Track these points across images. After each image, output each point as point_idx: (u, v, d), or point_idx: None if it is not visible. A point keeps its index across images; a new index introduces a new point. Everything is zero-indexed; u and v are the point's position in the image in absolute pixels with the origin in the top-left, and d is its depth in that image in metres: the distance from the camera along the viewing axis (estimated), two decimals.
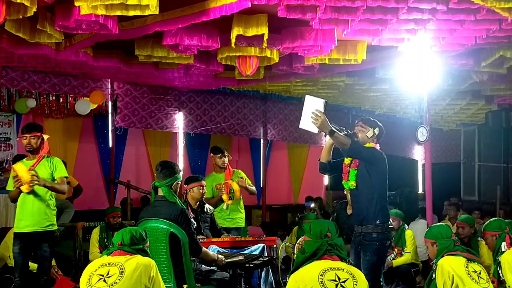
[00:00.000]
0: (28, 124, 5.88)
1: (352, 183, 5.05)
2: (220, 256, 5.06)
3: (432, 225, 4.83)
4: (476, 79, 8.52)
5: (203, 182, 6.09)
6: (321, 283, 3.37)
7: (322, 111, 4.77)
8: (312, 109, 4.81)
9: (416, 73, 7.10)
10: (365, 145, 5.04)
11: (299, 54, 6.94)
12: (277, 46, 6.57)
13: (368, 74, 8.70)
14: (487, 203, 12.15)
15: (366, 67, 7.88)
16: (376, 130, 5.14)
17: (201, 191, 6.01)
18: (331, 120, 4.83)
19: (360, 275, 3.52)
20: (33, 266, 6.38)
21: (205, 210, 6.18)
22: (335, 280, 3.40)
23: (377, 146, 5.15)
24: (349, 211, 5.86)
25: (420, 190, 14.03)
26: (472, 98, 10.51)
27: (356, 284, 3.42)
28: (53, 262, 6.69)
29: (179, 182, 4.98)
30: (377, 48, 7.11)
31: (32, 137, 5.62)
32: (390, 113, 12.98)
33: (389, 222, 5.07)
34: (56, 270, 6.60)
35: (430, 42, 6.64)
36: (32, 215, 5.56)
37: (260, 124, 11.75)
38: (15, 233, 5.63)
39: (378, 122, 5.25)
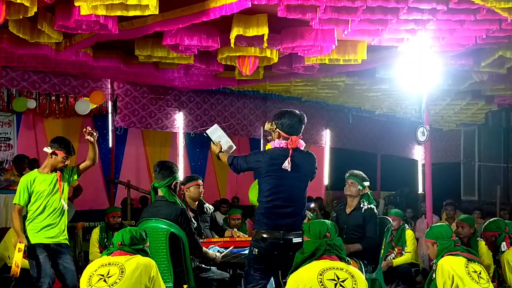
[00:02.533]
0: (71, 144, 5.48)
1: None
2: (217, 254, 5.07)
3: (433, 225, 4.82)
4: (476, 79, 8.53)
5: (200, 181, 6.05)
6: (320, 282, 3.37)
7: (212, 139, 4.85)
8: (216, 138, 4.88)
9: (416, 73, 7.10)
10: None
11: (299, 54, 6.94)
12: (277, 46, 6.58)
13: (368, 74, 8.71)
14: (487, 203, 12.17)
15: (366, 67, 7.89)
16: (271, 125, 4.53)
17: (198, 189, 5.98)
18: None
19: (359, 275, 3.53)
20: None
21: (205, 209, 6.16)
22: (334, 280, 3.40)
23: (276, 143, 4.49)
24: (348, 210, 5.84)
25: (420, 190, 14.04)
26: (472, 98, 10.51)
27: (355, 284, 3.42)
28: None
29: (178, 182, 4.97)
30: (377, 48, 7.11)
31: None
32: (390, 113, 12.99)
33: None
34: None
35: (430, 42, 6.65)
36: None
37: (260, 124, 11.74)
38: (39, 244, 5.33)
39: (287, 112, 4.53)
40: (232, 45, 6.10)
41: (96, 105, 9.63)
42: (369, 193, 5.81)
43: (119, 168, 10.48)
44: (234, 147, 4.89)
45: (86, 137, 5.43)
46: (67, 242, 5.54)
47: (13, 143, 9.50)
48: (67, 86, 9.39)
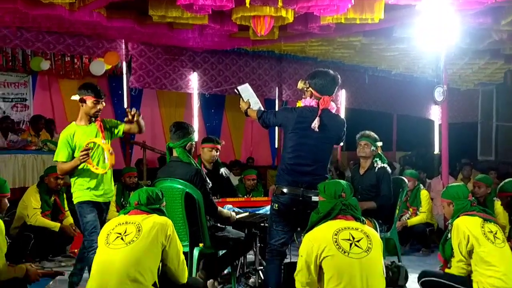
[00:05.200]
0: (99, 87, 4.94)
1: None
2: (232, 213, 5.10)
3: (449, 185, 4.79)
4: (496, 38, 8.37)
5: (213, 145, 6.02)
6: (335, 242, 3.38)
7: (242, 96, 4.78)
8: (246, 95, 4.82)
9: (434, 32, 6.99)
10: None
11: (314, 13, 6.83)
12: (292, 6, 6.47)
13: (385, 34, 8.58)
14: (504, 163, 12.10)
15: (383, 26, 7.77)
16: (304, 83, 4.49)
17: (210, 153, 5.98)
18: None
19: (374, 235, 3.53)
20: (55, 224, 6.48)
21: (221, 173, 6.17)
22: (349, 240, 3.42)
23: (307, 101, 4.46)
24: (361, 171, 5.84)
25: (437, 151, 13.98)
26: (490, 57, 10.34)
27: (370, 244, 3.43)
28: (71, 220, 6.80)
29: (193, 143, 4.97)
30: (394, 7, 6.99)
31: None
32: (407, 72, 12.86)
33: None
34: (74, 228, 6.69)
35: (449, 0, 6.51)
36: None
37: (275, 85, 11.69)
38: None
39: (321, 72, 4.50)
40: (248, 4, 6.01)
41: (110, 66, 9.61)
42: (380, 152, 5.81)
43: None
44: (262, 109, 4.84)
45: (127, 119, 4.96)
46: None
47: (29, 104, 9.55)
48: (82, 46, 9.38)
